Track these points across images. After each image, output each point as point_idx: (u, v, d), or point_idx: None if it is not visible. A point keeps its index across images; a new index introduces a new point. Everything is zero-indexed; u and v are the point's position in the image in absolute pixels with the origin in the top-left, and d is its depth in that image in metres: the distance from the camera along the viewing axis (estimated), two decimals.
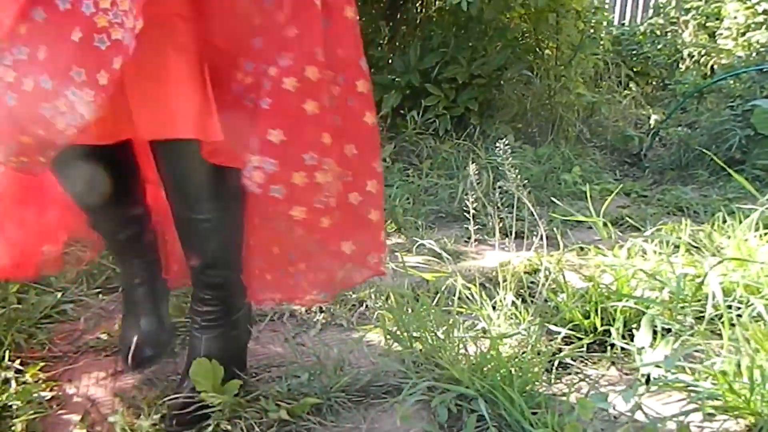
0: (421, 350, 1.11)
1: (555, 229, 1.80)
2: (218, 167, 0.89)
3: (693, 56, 4.51)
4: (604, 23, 3.55)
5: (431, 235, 1.88)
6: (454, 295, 1.38)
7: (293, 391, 1.01)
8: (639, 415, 0.91)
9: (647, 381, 0.93)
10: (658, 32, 4.83)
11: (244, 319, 1.09)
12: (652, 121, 3.52)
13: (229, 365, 1.00)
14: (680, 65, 4.57)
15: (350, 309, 1.35)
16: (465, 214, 2.07)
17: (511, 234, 1.29)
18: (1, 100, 0.72)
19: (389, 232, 1.95)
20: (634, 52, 4.60)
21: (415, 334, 1.12)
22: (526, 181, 1.76)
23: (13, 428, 0.93)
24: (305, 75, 0.81)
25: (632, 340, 1.17)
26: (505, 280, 1.30)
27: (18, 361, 1.12)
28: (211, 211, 0.95)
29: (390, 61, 2.93)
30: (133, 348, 1.11)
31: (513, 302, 1.26)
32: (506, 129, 2.77)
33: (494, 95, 2.91)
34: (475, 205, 1.62)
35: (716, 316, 1.17)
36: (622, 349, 1.15)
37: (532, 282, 1.45)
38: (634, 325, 1.21)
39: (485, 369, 0.99)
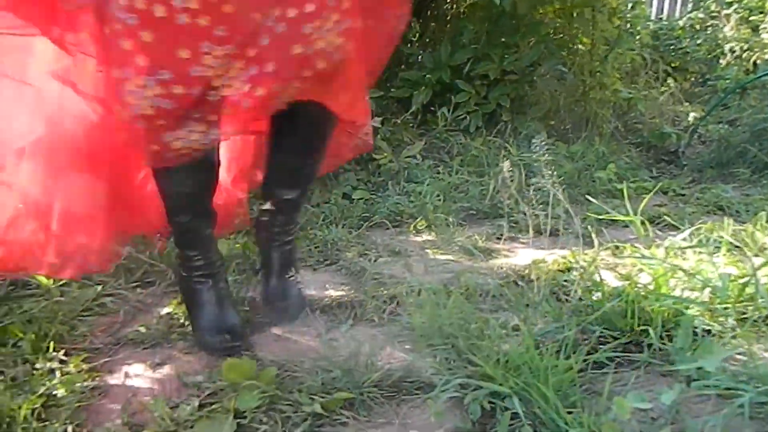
0: (453, 347, 1.11)
1: (589, 227, 1.78)
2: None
3: (734, 51, 4.37)
4: (642, 18, 3.47)
5: (462, 233, 1.87)
6: (486, 293, 1.38)
7: (326, 385, 1.02)
8: (677, 417, 0.89)
9: (689, 383, 0.91)
10: (698, 27, 4.71)
11: None
12: (690, 118, 3.43)
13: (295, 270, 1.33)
14: (721, 60, 4.44)
15: (381, 305, 1.35)
16: (496, 211, 2.06)
17: (545, 232, 1.28)
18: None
19: (419, 230, 1.95)
20: (673, 47, 4.49)
21: (447, 331, 1.12)
22: (559, 178, 1.73)
23: (58, 416, 0.96)
24: None
25: (670, 341, 1.14)
26: (538, 278, 1.29)
27: (62, 352, 1.16)
28: (318, 158, 1.26)
29: (420, 57, 2.92)
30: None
31: (547, 300, 1.25)
32: (538, 126, 2.73)
33: (526, 91, 2.88)
34: (507, 202, 1.61)
35: (760, 318, 1.13)
36: (660, 349, 1.12)
37: (565, 280, 1.43)
38: (672, 326, 1.18)
39: (519, 367, 0.98)
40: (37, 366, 1.09)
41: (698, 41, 4.54)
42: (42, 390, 1.00)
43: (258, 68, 0.97)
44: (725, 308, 1.16)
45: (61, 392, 1.02)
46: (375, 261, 1.65)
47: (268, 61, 0.97)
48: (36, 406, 0.97)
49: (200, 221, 1.22)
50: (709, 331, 1.14)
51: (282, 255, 1.33)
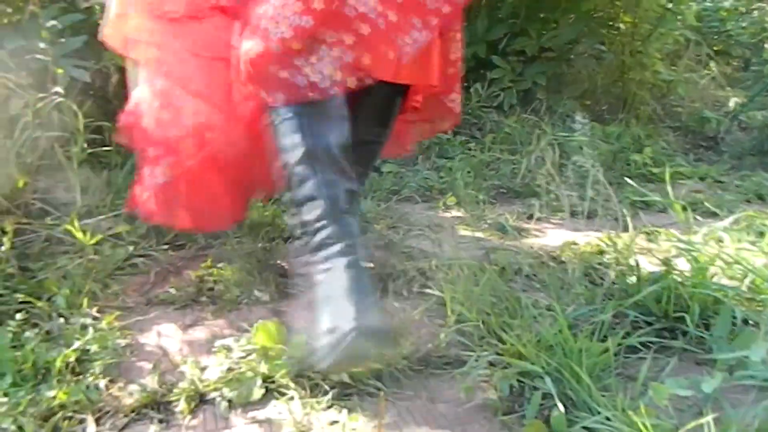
0: (484, 324, 1.09)
1: (624, 210, 1.73)
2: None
3: None
4: None
5: (492, 211, 1.85)
6: (519, 272, 1.36)
7: None
8: (716, 406, 0.87)
9: (730, 372, 0.89)
10: (743, 9, 4.53)
11: None
12: (731, 103, 3.31)
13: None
14: (765, 45, 4.27)
15: (411, 279, 1.34)
16: (528, 190, 2.02)
17: (583, 213, 1.24)
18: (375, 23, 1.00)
19: (449, 206, 1.92)
20: (716, 29, 4.33)
21: (479, 308, 1.11)
22: (594, 160, 1.69)
23: (91, 371, 0.98)
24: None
25: (706, 329, 1.12)
26: (572, 260, 1.26)
27: (95, 309, 1.17)
28: (384, 136, 1.31)
29: None
30: None
31: (580, 282, 1.22)
32: (574, 105, 2.67)
33: (563, 70, 2.81)
34: (542, 181, 1.57)
35: None
36: (696, 337, 1.10)
37: (599, 263, 1.40)
38: (710, 314, 1.15)
39: (552, 347, 0.97)
40: (72, 321, 1.11)
41: (743, 24, 4.36)
42: (76, 344, 1.02)
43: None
44: (766, 298, 1.12)
45: (94, 348, 1.03)
46: (404, 235, 1.64)
47: None
48: (70, 359, 0.99)
49: (322, 167, 1.06)
50: (746, 321, 1.11)
51: None
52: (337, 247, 0.95)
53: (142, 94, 1.18)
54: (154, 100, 1.16)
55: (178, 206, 1.23)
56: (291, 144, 1.02)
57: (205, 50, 1.15)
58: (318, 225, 0.97)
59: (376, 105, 1.24)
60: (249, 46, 1.01)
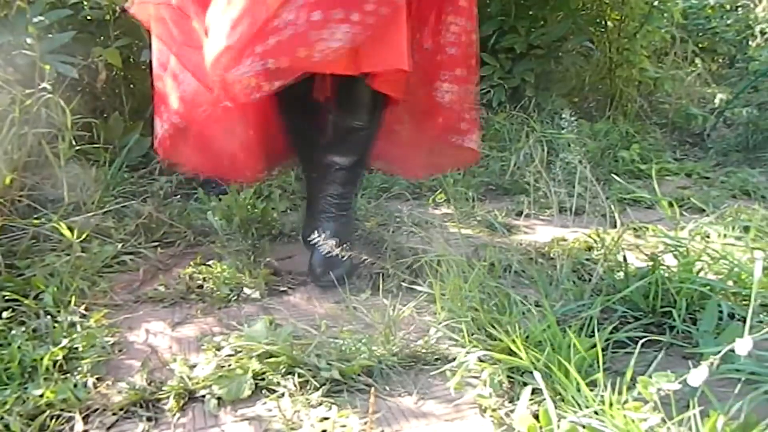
0: (473, 320, 1.10)
1: (612, 206, 1.75)
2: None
3: (765, 33, 4.25)
4: None
5: (481, 207, 1.85)
6: (508, 269, 1.37)
7: (345, 351, 1.02)
8: (702, 400, 0.88)
9: (717, 366, 0.90)
10: (728, 7, 4.57)
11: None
12: (717, 100, 3.35)
13: (346, 244, 1.21)
14: (750, 42, 4.31)
15: (401, 275, 1.34)
16: (517, 187, 2.03)
17: (571, 210, 1.25)
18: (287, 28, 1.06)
19: (438, 203, 1.93)
20: (701, 27, 4.36)
21: (468, 304, 1.11)
22: (582, 157, 1.70)
23: (79, 369, 0.97)
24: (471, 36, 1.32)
25: (693, 324, 1.13)
26: (560, 256, 1.27)
27: (83, 307, 1.17)
28: (367, 121, 1.34)
29: None
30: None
31: (569, 278, 1.23)
32: (562, 102, 2.68)
33: (552, 67, 2.82)
34: (530, 178, 1.58)
35: None
36: (683, 332, 1.11)
37: (587, 259, 1.41)
38: (696, 309, 1.16)
39: (541, 343, 0.97)
40: (59, 319, 1.10)
41: (728, 22, 4.40)
42: (64, 342, 1.01)
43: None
44: (751, 292, 1.13)
45: (82, 346, 1.03)
46: (394, 232, 1.64)
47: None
48: (58, 358, 0.98)
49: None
50: (732, 315, 1.13)
51: (337, 224, 1.36)
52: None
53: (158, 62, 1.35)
54: (172, 64, 1.32)
55: (193, 150, 1.40)
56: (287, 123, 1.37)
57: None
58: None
59: (352, 94, 1.32)
60: (206, 50, 1.14)
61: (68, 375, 0.96)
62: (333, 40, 1.07)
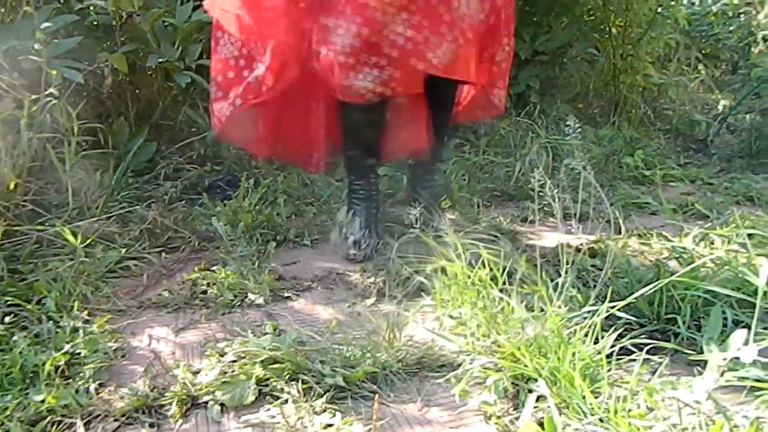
0: (478, 326, 1.10)
1: (616, 212, 1.74)
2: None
3: (767, 39, 4.24)
4: (677, 2, 3.36)
5: (486, 213, 1.85)
6: (512, 275, 1.36)
7: (349, 358, 1.01)
8: (707, 407, 0.87)
9: (722, 373, 0.89)
10: (731, 13, 4.56)
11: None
12: (720, 106, 3.34)
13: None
14: (753, 49, 4.31)
15: (406, 281, 1.34)
16: (522, 193, 2.03)
17: (575, 216, 1.25)
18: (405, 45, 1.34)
19: (444, 209, 1.92)
20: (704, 33, 4.36)
21: (472, 311, 1.11)
22: (586, 163, 1.70)
23: (81, 374, 0.97)
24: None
25: (698, 330, 1.12)
26: (565, 262, 1.27)
27: (86, 312, 1.16)
28: (447, 114, 1.76)
29: None
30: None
31: (573, 284, 1.22)
32: (567, 108, 2.68)
33: (556, 73, 2.82)
34: (535, 184, 1.58)
35: None
36: (688, 338, 1.10)
37: (592, 265, 1.41)
38: (701, 315, 1.16)
39: (545, 350, 0.97)
40: (62, 324, 1.10)
41: (730, 28, 4.40)
42: (66, 348, 1.01)
43: (418, 19, 1.32)
44: (756, 299, 1.13)
45: (84, 351, 1.03)
46: (398, 238, 1.63)
47: (424, 18, 1.33)
48: (60, 363, 0.98)
49: (364, 153, 1.59)
50: (737, 322, 1.12)
51: (428, 193, 1.78)
52: (363, 195, 1.60)
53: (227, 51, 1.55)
54: (238, 55, 1.53)
55: (253, 132, 1.62)
56: (345, 136, 1.56)
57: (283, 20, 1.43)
58: (354, 182, 1.62)
59: (439, 94, 1.64)
60: (323, 53, 1.37)
61: (70, 380, 0.96)
62: (440, 55, 1.35)
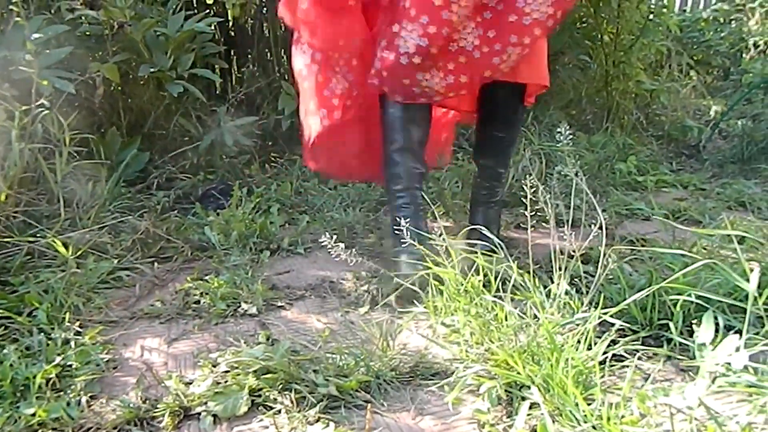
0: (471, 334, 1.10)
1: (609, 218, 1.75)
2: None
3: (758, 46, 4.28)
4: (668, 9, 3.39)
5: None
6: (505, 282, 1.36)
7: (342, 368, 1.01)
8: (699, 413, 0.88)
9: (713, 379, 0.89)
10: (722, 20, 4.61)
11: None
12: (712, 112, 3.36)
13: (496, 228, 1.65)
14: (744, 55, 4.35)
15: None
16: (515, 199, 2.03)
17: (568, 222, 1.25)
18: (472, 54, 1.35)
19: (437, 215, 1.93)
20: (695, 39, 4.40)
21: (465, 318, 1.11)
22: (579, 169, 1.70)
23: (72, 387, 0.96)
24: None
25: (690, 336, 1.12)
26: (558, 268, 1.27)
27: (77, 324, 1.16)
28: (515, 131, 1.64)
29: None
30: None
31: (566, 291, 1.23)
32: (560, 115, 2.69)
33: (549, 80, 2.82)
34: (526, 191, 1.58)
35: None
36: (680, 344, 1.11)
37: (585, 272, 1.41)
38: (693, 321, 1.16)
39: (538, 357, 0.97)
40: (53, 336, 1.09)
41: (722, 34, 4.44)
42: (57, 360, 1.00)
43: (483, 31, 1.34)
44: (747, 304, 1.13)
45: (75, 363, 1.02)
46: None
47: (490, 29, 1.34)
48: (51, 375, 0.97)
49: (408, 157, 1.49)
50: (729, 328, 1.12)
51: (485, 213, 1.66)
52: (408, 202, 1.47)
53: (300, 64, 1.54)
54: (311, 66, 1.52)
55: (332, 158, 1.63)
56: (391, 137, 1.46)
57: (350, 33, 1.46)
58: (399, 194, 1.48)
59: (498, 107, 1.57)
60: (386, 55, 1.36)
61: (61, 393, 0.95)
62: (509, 62, 1.36)
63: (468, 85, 1.40)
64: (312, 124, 1.55)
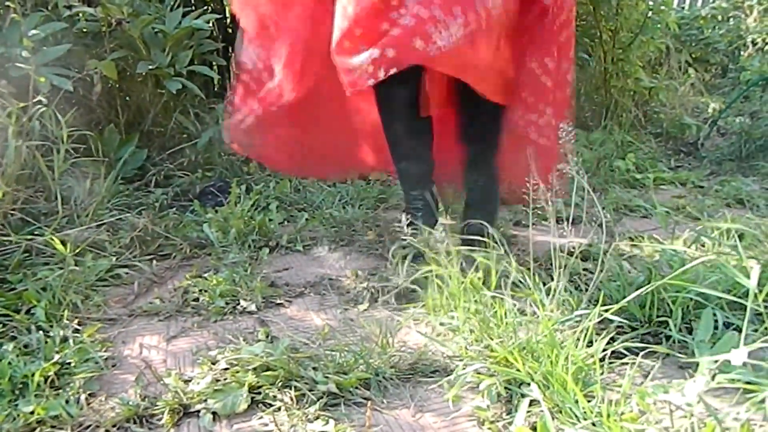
0: (470, 331, 1.10)
1: (608, 216, 1.75)
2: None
3: (756, 43, 4.28)
4: (667, 7, 3.39)
5: None
6: (504, 279, 1.36)
7: (342, 364, 1.01)
8: (699, 410, 0.88)
9: (713, 376, 0.89)
10: (720, 17, 4.61)
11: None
12: (710, 110, 3.37)
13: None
14: (742, 52, 4.35)
15: (398, 287, 1.33)
16: (513, 197, 2.03)
17: (568, 220, 1.25)
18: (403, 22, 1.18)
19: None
20: (694, 37, 4.40)
21: (465, 316, 1.11)
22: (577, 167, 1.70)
23: (71, 384, 0.96)
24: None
25: (689, 333, 1.13)
26: (557, 266, 1.27)
27: (76, 321, 1.15)
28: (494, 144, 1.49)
29: None
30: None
31: (566, 288, 1.23)
32: None
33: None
34: (527, 188, 1.58)
35: None
36: (679, 341, 1.11)
37: (584, 269, 1.41)
38: (692, 318, 1.16)
39: (538, 354, 0.97)
40: (51, 334, 1.09)
41: (720, 32, 4.44)
42: (56, 358, 1.00)
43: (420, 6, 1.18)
44: (746, 301, 1.13)
45: (74, 361, 1.02)
46: (391, 243, 1.63)
47: None
48: (49, 373, 0.97)
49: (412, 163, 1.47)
50: (728, 325, 1.12)
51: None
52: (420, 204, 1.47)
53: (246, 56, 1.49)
54: (257, 62, 1.46)
55: (265, 145, 1.56)
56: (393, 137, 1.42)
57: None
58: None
59: (477, 121, 1.48)
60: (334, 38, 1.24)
61: (60, 391, 0.95)
62: (446, 37, 1.18)
63: (401, 60, 1.21)
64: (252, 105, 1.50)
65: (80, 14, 2.01)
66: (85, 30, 2.08)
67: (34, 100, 1.52)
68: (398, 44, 1.18)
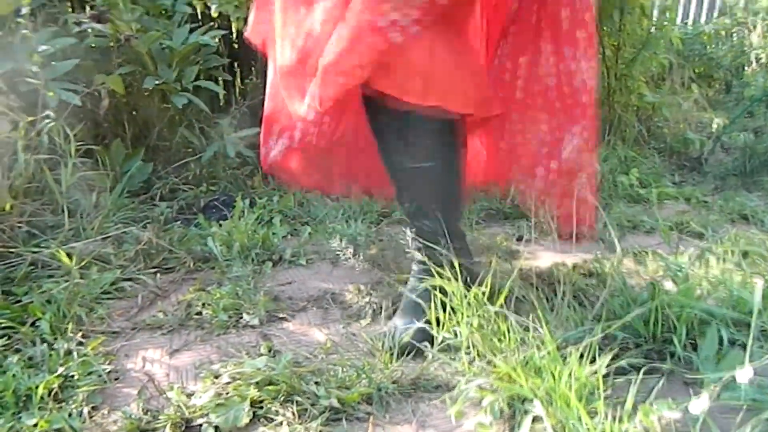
0: (473, 347, 1.09)
1: (611, 231, 1.75)
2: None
3: (760, 59, 4.30)
4: (670, 23, 3.41)
5: (482, 232, 1.85)
6: (506, 294, 1.36)
7: (344, 379, 1.01)
8: (704, 427, 0.87)
9: (718, 393, 0.89)
10: (724, 33, 4.63)
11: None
12: (714, 125, 3.37)
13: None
14: (746, 68, 4.36)
15: (401, 301, 1.33)
16: (517, 211, 2.04)
17: (572, 235, 1.26)
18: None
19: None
20: (697, 53, 4.42)
21: (468, 331, 1.10)
22: None
23: (74, 397, 0.96)
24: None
25: (694, 350, 1.12)
26: (561, 281, 1.27)
27: (80, 334, 1.16)
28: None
29: None
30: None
31: (569, 304, 1.22)
32: None
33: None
34: (529, 203, 1.58)
35: None
36: (683, 358, 1.10)
37: (587, 284, 1.41)
38: (697, 335, 1.15)
39: (541, 370, 0.97)
40: (56, 346, 1.10)
41: (723, 48, 4.46)
42: (59, 371, 1.00)
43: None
44: (751, 318, 1.13)
45: (78, 374, 1.02)
46: (394, 257, 1.64)
47: None
48: (53, 386, 0.97)
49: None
50: (733, 342, 1.12)
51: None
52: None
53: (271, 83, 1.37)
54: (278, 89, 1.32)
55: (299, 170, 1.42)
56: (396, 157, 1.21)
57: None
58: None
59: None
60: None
61: (63, 404, 0.95)
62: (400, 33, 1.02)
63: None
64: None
65: (89, 30, 2.03)
66: (93, 45, 2.11)
67: (43, 114, 1.54)
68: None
